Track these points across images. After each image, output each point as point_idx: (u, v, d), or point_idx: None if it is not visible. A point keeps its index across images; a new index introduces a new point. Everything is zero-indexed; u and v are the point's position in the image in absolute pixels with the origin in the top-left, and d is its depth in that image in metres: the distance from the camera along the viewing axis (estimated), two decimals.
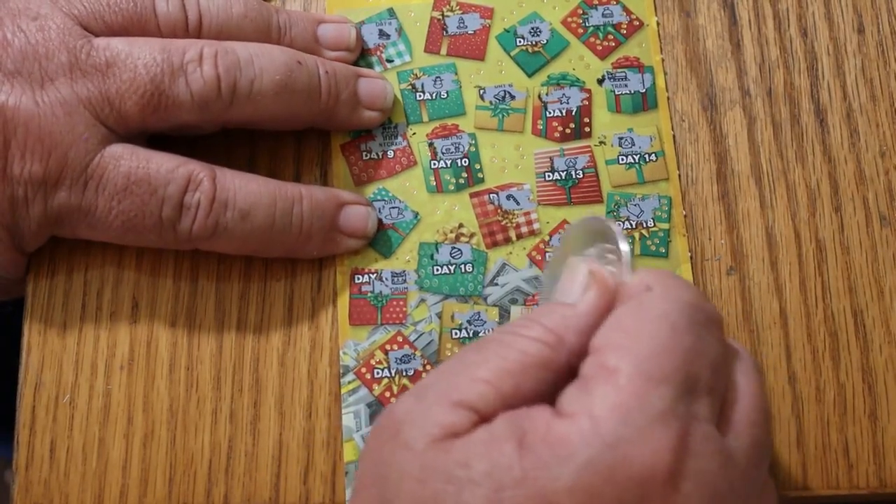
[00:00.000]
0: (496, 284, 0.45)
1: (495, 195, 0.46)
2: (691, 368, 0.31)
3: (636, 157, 0.46)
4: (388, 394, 0.43)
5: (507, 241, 0.45)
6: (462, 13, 0.48)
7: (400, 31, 0.48)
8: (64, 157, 0.40)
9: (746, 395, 0.33)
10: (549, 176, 0.46)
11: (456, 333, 0.44)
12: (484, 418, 0.32)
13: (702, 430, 0.31)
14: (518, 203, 0.46)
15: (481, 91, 0.47)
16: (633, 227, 0.45)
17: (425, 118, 0.47)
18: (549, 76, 0.47)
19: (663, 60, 0.47)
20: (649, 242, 0.45)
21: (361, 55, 0.48)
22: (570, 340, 0.33)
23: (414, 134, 0.47)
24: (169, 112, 0.41)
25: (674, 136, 0.46)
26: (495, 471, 0.30)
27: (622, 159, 0.46)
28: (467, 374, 0.32)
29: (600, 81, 0.47)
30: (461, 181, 0.46)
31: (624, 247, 0.35)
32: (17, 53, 0.40)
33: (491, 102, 0.47)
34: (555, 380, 0.32)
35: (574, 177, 0.46)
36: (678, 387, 0.30)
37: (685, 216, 0.45)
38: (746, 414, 0.33)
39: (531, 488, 0.29)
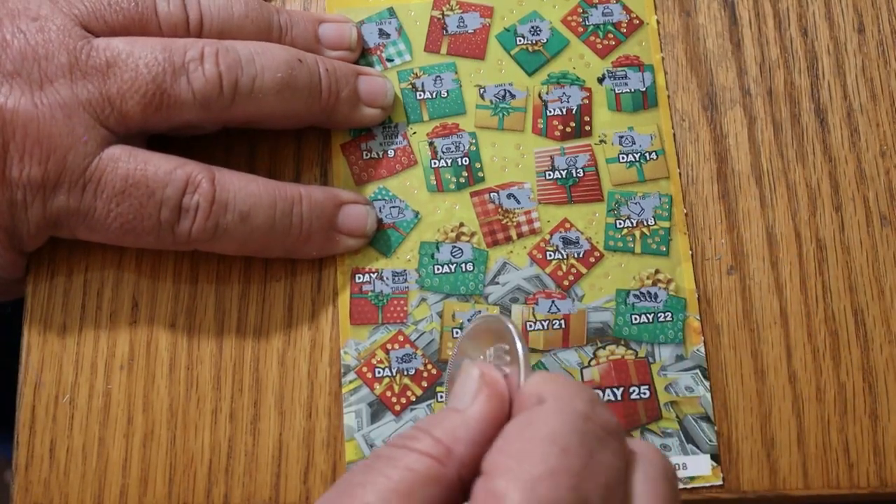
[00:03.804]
0: (497, 283, 0.45)
1: (496, 194, 0.46)
2: (581, 491, 0.29)
3: (637, 156, 0.46)
4: (388, 393, 0.43)
5: (508, 239, 0.45)
6: (462, 12, 0.48)
7: (400, 30, 0.48)
8: (63, 159, 0.40)
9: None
10: (549, 175, 0.46)
11: (457, 332, 0.44)
12: None
13: None
14: (518, 202, 0.46)
15: (481, 90, 0.47)
16: (634, 224, 0.45)
17: (425, 117, 0.47)
18: (549, 75, 0.47)
19: (663, 59, 0.47)
20: (650, 241, 0.45)
21: (362, 54, 0.47)
22: (459, 452, 0.31)
23: (414, 133, 0.47)
24: (171, 111, 0.41)
25: (674, 135, 0.46)
26: None
27: (623, 158, 0.46)
28: (354, 499, 0.30)
29: (600, 80, 0.47)
30: (461, 180, 0.46)
31: (520, 348, 0.33)
32: (17, 54, 0.40)
33: (491, 101, 0.47)
34: (446, 495, 0.31)
35: (575, 175, 0.46)
36: None
37: (686, 215, 0.45)
38: None
39: None
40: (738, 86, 0.46)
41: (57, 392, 0.44)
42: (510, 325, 0.34)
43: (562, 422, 0.30)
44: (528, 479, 0.29)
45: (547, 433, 0.30)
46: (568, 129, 0.46)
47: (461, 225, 0.45)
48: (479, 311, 0.44)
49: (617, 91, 0.47)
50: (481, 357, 0.35)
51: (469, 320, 0.44)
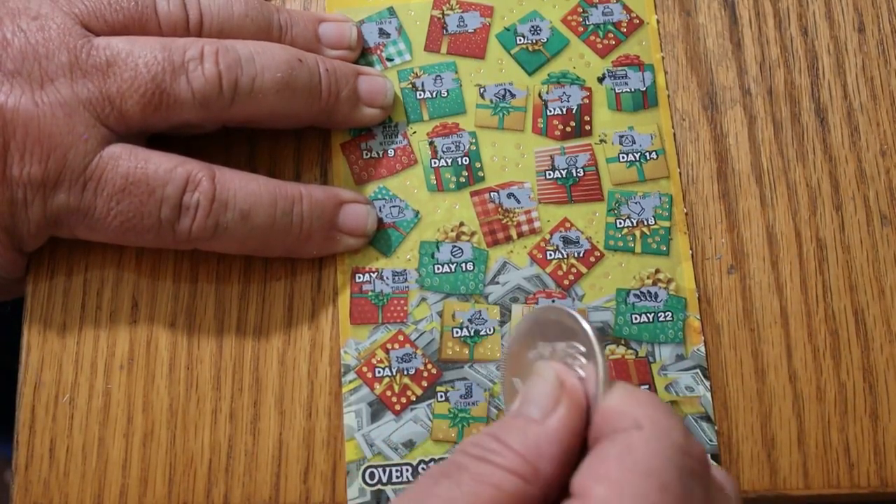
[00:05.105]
0: (497, 283, 0.45)
1: (496, 194, 0.46)
2: None
3: (637, 155, 0.46)
4: (388, 392, 0.43)
5: (508, 239, 0.45)
6: (462, 12, 0.48)
7: (400, 29, 0.48)
8: (63, 158, 0.40)
9: None
10: (549, 174, 0.46)
11: (457, 332, 0.44)
12: None
13: None
14: (519, 201, 0.46)
15: (482, 89, 0.47)
16: (634, 224, 0.45)
17: (426, 117, 0.47)
18: (549, 74, 0.47)
19: (663, 59, 0.47)
20: (650, 240, 0.45)
21: (362, 54, 0.47)
22: (545, 470, 0.30)
23: (414, 132, 0.47)
24: (170, 111, 0.41)
25: (674, 135, 0.46)
26: None
27: (623, 157, 0.46)
28: None
29: (601, 80, 0.47)
30: (462, 180, 0.46)
31: (598, 352, 0.32)
32: (17, 53, 0.40)
33: (491, 101, 0.47)
34: None
35: (575, 175, 0.46)
36: None
37: (686, 215, 0.45)
38: None
39: None
40: (739, 85, 0.46)
41: (57, 392, 0.44)
42: (585, 325, 0.32)
43: (662, 455, 0.30)
44: None
45: (647, 467, 0.29)
46: (568, 129, 0.46)
47: (461, 224, 0.45)
48: (480, 312, 0.44)
49: (617, 90, 0.47)
50: (549, 351, 0.34)
51: (470, 320, 0.44)
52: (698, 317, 0.44)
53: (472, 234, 0.45)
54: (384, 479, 0.42)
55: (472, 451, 0.31)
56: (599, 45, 0.47)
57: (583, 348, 0.33)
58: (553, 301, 0.44)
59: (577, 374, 0.32)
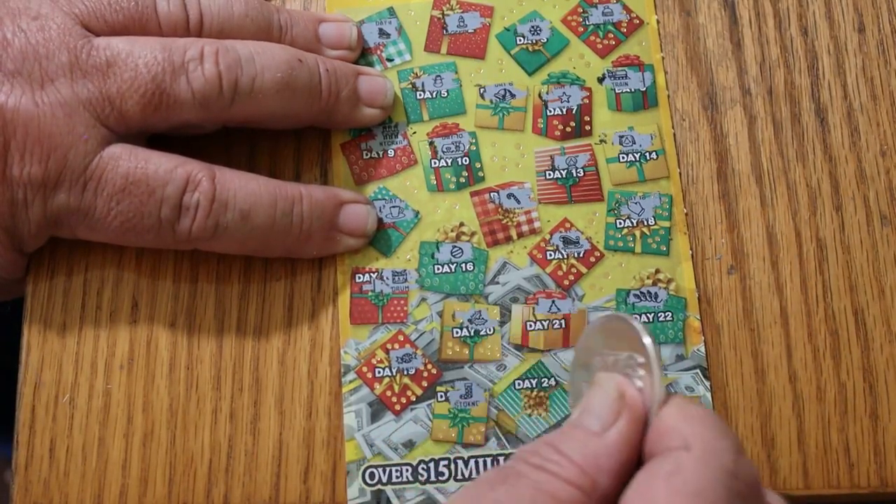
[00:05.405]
0: (497, 283, 0.45)
1: (496, 194, 0.46)
2: None
3: (637, 156, 0.46)
4: (388, 392, 0.43)
5: (508, 239, 0.45)
6: (462, 12, 0.48)
7: (400, 30, 0.48)
8: (63, 158, 0.40)
9: None
10: (549, 174, 0.46)
11: (457, 332, 0.44)
12: None
13: None
14: (519, 202, 0.46)
15: (482, 90, 0.47)
16: (634, 224, 0.45)
17: (426, 117, 0.47)
18: (549, 75, 0.47)
19: (663, 59, 0.47)
20: (650, 240, 0.45)
21: (361, 54, 0.47)
22: (603, 484, 0.30)
23: (414, 133, 0.47)
24: (170, 111, 0.41)
25: (674, 135, 0.46)
26: None
27: (623, 157, 0.46)
28: None
29: (601, 80, 0.47)
30: (462, 180, 0.46)
31: (656, 369, 0.32)
32: (18, 53, 0.40)
33: (491, 101, 0.47)
34: None
35: (575, 175, 0.46)
36: None
37: (686, 215, 0.45)
38: None
39: None
40: (739, 85, 0.46)
41: (57, 392, 0.44)
42: (646, 338, 0.33)
43: (710, 478, 0.29)
44: None
45: (694, 489, 0.29)
46: (568, 129, 0.46)
47: (461, 225, 0.45)
48: (480, 312, 0.44)
49: (617, 91, 0.47)
50: (612, 360, 0.34)
51: (470, 320, 0.44)
52: (698, 317, 0.44)
53: (472, 234, 0.45)
54: (384, 480, 0.42)
55: (530, 460, 0.31)
56: (599, 46, 0.47)
57: (641, 360, 0.33)
58: (553, 302, 0.44)
59: (636, 386, 0.33)
